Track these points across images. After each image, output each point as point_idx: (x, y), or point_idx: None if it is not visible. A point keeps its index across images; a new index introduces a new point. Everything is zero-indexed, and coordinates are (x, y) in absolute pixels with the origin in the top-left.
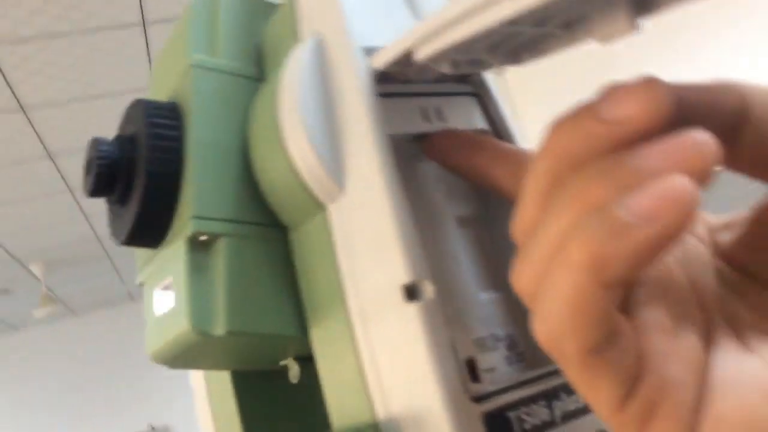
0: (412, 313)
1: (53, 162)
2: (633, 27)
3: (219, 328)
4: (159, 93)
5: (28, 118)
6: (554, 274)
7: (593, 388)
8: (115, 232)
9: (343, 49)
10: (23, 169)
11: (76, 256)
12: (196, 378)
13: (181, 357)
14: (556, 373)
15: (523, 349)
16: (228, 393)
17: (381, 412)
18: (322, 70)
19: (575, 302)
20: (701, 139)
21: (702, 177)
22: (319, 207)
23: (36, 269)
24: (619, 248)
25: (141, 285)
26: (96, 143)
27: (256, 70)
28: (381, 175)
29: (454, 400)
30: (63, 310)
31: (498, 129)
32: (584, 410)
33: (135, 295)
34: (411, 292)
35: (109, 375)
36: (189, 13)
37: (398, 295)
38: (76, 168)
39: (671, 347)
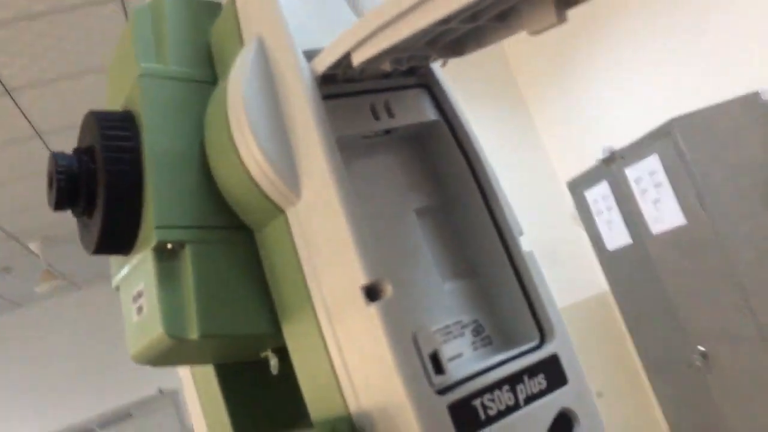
0: (373, 313)
1: (43, 141)
2: (561, 19)
3: (192, 333)
4: (113, 103)
5: (15, 101)
6: None
7: None
8: (84, 243)
9: (285, 54)
10: (15, 150)
11: (73, 232)
12: (184, 369)
13: (161, 358)
14: (520, 355)
15: (489, 333)
16: (213, 384)
17: (353, 406)
18: (266, 74)
19: None
20: None
21: None
22: (277, 210)
23: (34, 247)
24: None
25: (116, 289)
26: (54, 158)
27: (207, 72)
28: (332, 180)
29: (419, 395)
30: (65, 284)
31: (449, 118)
32: (547, 390)
33: None
34: (371, 293)
35: (115, 343)
36: (133, 21)
37: (359, 296)
38: (65, 145)
39: None
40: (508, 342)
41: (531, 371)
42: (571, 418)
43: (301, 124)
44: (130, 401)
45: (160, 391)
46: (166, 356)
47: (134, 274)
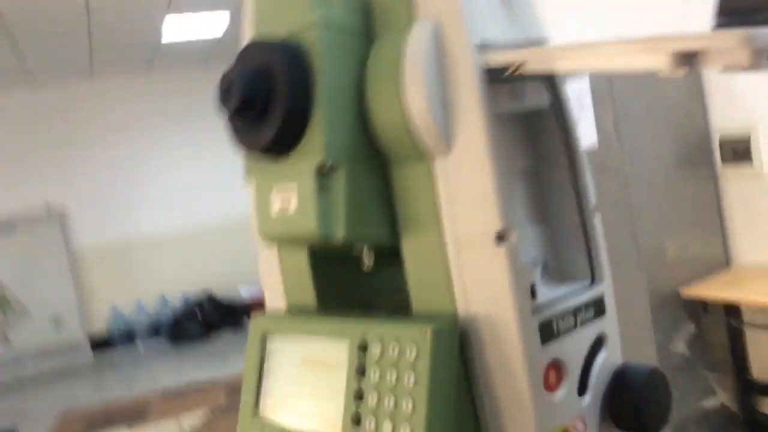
0: (501, 252)
1: None
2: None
3: (339, 235)
4: (266, 24)
5: None
6: None
7: None
8: (242, 141)
9: (462, 45)
10: None
11: None
12: (270, 250)
13: (290, 243)
14: (580, 291)
15: (551, 268)
16: (303, 265)
17: (462, 311)
18: (438, 54)
19: None
20: None
21: None
22: (422, 155)
23: None
24: None
25: (247, 178)
26: (239, 72)
27: (365, 23)
28: (488, 151)
29: (523, 313)
30: None
31: (557, 107)
32: (593, 318)
33: (36, 76)
34: (501, 237)
35: (7, 150)
36: None
37: (491, 238)
38: None
39: None
40: (563, 277)
41: (587, 304)
42: (603, 340)
43: (468, 100)
44: (13, 212)
45: (48, 207)
46: (296, 243)
47: (284, 175)
